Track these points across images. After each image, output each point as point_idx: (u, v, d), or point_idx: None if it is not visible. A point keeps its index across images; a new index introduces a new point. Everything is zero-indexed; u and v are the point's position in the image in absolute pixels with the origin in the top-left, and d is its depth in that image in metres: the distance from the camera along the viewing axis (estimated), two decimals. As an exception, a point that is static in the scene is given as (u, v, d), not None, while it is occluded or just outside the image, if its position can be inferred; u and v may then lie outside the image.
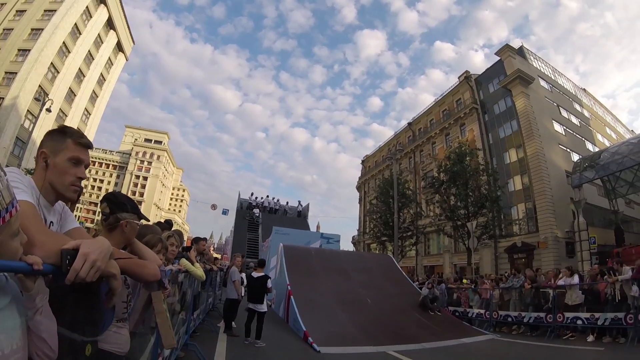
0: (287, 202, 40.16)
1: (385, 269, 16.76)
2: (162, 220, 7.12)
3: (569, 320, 10.90)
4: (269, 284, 9.19)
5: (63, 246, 1.34)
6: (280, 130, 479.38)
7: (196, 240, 8.63)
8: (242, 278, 10.78)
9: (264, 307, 8.81)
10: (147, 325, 2.71)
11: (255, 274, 9.33)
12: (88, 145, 1.81)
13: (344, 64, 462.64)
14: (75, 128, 1.86)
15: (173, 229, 6.18)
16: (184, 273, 5.03)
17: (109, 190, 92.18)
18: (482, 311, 13.89)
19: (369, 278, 15.34)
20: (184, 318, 5.66)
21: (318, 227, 58.86)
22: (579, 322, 10.66)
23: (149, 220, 3.06)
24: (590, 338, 10.34)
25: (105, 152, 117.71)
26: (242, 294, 10.76)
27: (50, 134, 1.74)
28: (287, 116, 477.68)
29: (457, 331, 12.01)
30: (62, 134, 1.73)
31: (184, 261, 5.62)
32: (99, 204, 2.44)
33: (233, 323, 10.05)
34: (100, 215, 2.30)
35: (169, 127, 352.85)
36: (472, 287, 15.42)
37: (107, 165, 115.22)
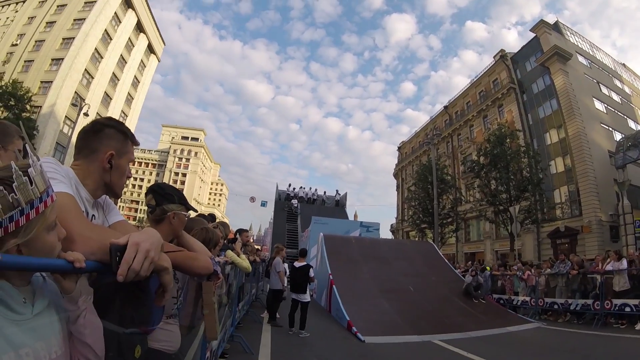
0: (325, 192, 40.13)
1: (426, 256, 16.56)
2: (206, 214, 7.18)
3: (617, 308, 10.58)
4: (311, 273, 9.20)
5: (112, 240, 1.17)
6: (313, 121, 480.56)
7: (240, 232, 8.69)
8: (285, 268, 10.82)
9: (307, 297, 8.86)
10: (198, 318, 2.68)
11: (297, 264, 9.39)
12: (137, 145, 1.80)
13: (374, 51, 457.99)
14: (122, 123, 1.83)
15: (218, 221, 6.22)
16: (230, 265, 5.05)
17: None
18: (528, 298, 13.60)
19: (410, 266, 15.21)
20: (230, 310, 5.69)
21: (355, 216, 58.90)
22: (627, 309, 10.32)
23: (196, 211, 3.02)
24: (639, 326, 9.98)
25: (144, 152, 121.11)
26: (286, 285, 10.84)
27: (113, 134, 1.65)
28: (319, 106, 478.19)
29: (502, 319, 11.79)
30: (124, 135, 1.67)
31: (229, 253, 5.66)
32: (144, 196, 2.39)
33: (277, 314, 10.12)
34: (147, 207, 2.23)
35: (204, 124, 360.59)
36: (517, 274, 15.03)
37: (147, 164, 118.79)
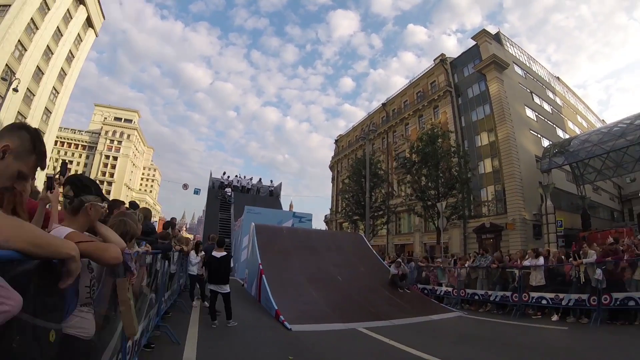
0: (260, 179, 39.80)
1: (356, 248, 17.01)
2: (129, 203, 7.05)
3: (534, 300, 11.30)
4: (231, 263, 9.17)
5: None
6: (251, 109, 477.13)
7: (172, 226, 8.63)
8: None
9: (227, 288, 8.73)
10: (116, 310, 2.68)
11: (217, 254, 9.12)
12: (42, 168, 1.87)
13: (316, 44, 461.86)
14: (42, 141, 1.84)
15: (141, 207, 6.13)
16: (151, 255, 4.97)
17: (79, 172, 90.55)
18: (450, 289, 14.26)
19: (340, 257, 15.55)
20: (156, 299, 5.62)
21: (291, 206, 59.00)
22: (544, 301, 11.05)
23: (109, 202, 3.00)
24: (555, 317, 10.74)
25: (74, 132, 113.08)
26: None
27: (19, 132, 1.73)
28: (258, 95, 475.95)
29: (426, 308, 12.28)
30: (33, 142, 1.75)
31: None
32: (62, 187, 2.37)
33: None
34: (64, 198, 2.23)
35: (139, 106, 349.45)
36: (441, 266, 15.73)
37: (77, 146, 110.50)
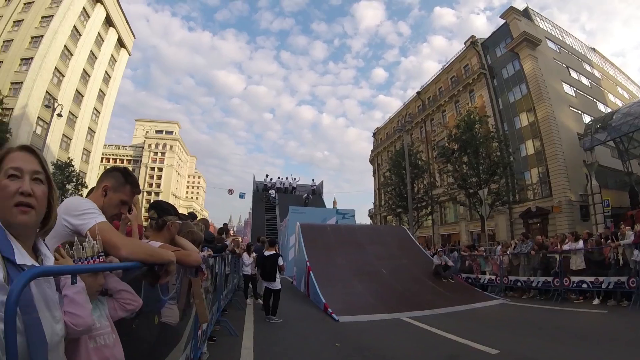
0: (298, 179, 40.53)
1: (399, 240, 17.43)
2: (186, 213, 7.83)
3: (574, 284, 11.35)
4: (280, 261, 9.73)
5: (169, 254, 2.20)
6: (286, 109, 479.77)
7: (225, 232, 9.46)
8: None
9: (277, 285, 9.36)
10: (191, 304, 3.38)
11: (266, 253, 9.84)
12: (137, 193, 2.47)
13: (344, 38, 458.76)
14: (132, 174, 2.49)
15: (199, 218, 6.89)
16: (213, 258, 5.69)
17: None
18: (493, 277, 14.49)
19: (384, 250, 16.01)
20: (215, 297, 6.35)
21: (335, 202, 59.61)
22: (585, 285, 11.10)
23: (186, 219, 3.73)
24: (596, 301, 10.74)
25: (119, 148, 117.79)
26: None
27: (115, 175, 2.34)
28: (292, 94, 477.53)
29: (469, 297, 12.62)
30: (124, 177, 2.35)
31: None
32: (147, 211, 3.08)
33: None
34: (150, 220, 2.96)
35: (177, 117, 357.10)
36: (484, 254, 15.97)
37: (122, 161, 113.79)
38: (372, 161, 67.86)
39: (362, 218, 64.05)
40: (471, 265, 16.05)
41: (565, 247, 12.19)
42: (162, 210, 2.95)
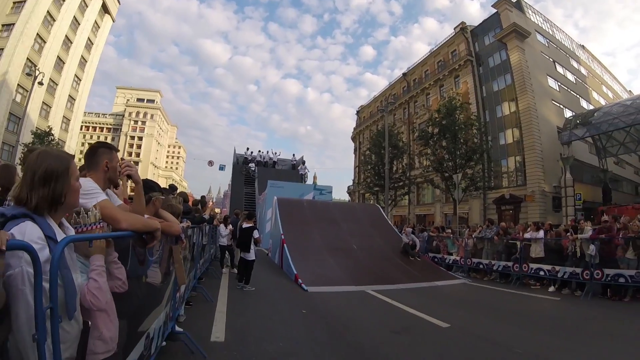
0: (279, 153, 40.83)
1: (372, 218, 18.07)
2: (166, 184, 8.30)
3: (532, 271, 12.02)
4: (256, 234, 10.19)
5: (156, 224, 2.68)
6: (272, 82, 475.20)
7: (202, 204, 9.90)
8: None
9: (251, 256, 9.89)
10: (171, 270, 3.89)
11: (244, 225, 10.40)
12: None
13: (334, 13, 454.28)
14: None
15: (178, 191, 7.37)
16: (191, 229, 6.18)
17: None
18: (458, 258, 15.26)
19: (357, 227, 16.68)
20: (193, 265, 6.85)
21: (315, 177, 60.01)
22: (542, 273, 11.77)
23: (167, 192, 4.24)
24: (552, 289, 11.39)
25: (99, 116, 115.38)
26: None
27: (105, 150, 2.76)
28: (278, 67, 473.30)
29: (433, 275, 13.32)
30: (111, 149, 2.80)
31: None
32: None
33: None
34: None
35: (160, 85, 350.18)
36: (451, 236, 16.73)
37: (102, 129, 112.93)
38: (354, 139, 68.48)
39: (342, 194, 64.80)
40: (439, 246, 16.77)
41: (527, 235, 12.85)
42: (148, 187, 3.41)
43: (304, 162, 38.85)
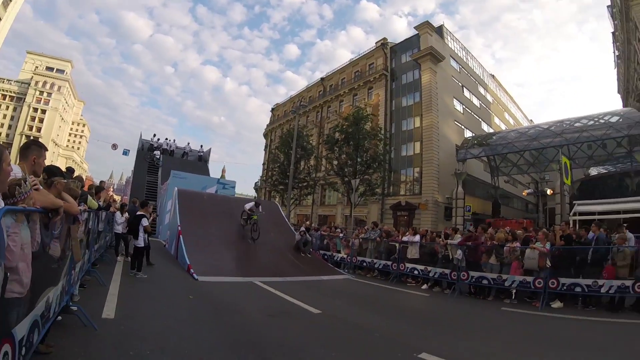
0: (188, 143, 40.04)
1: (271, 215, 18.75)
2: (64, 165, 8.58)
3: (408, 270, 13.50)
4: (144, 222, 10.60)
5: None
6: (191, 67, 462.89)
7: (98, 189, 10.19)
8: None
9: (140, 242, 10.39)
10: (68, 248, 4.48)
11: (138, 213, 11.01)
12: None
13: (266, 6, 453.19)
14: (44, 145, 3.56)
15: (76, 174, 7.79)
16: (87, 212, 6.66)
17: (4, 125, 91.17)
18: (345, 255, 16.59)
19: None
20: (87, 249, 7.27)
21: (224, 170, 59.61)
22: (416, 272, 13.23)
23: (66, 178, 4.82)
24: (425, 287, 12.88)
25: (3, 82, 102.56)
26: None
27: (36, 148, 3.50)
28: (199, 52, 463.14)
29: (320, 270, 14.56)
30: (41, 147, 3.51)
31: (90, 201, 7.32)
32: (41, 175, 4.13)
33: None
34: (43, 179, 4.01)
35: (73, 55, 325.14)
36: (340, 235, 18.12)
37: (4, 97, 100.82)
38: (266, 135, 68.90)
39: (249, 190, 64.98)
40: (328, 244, 18.13)
41: (405, 238, 14.43)
42: (51, 173, 4.15)
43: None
